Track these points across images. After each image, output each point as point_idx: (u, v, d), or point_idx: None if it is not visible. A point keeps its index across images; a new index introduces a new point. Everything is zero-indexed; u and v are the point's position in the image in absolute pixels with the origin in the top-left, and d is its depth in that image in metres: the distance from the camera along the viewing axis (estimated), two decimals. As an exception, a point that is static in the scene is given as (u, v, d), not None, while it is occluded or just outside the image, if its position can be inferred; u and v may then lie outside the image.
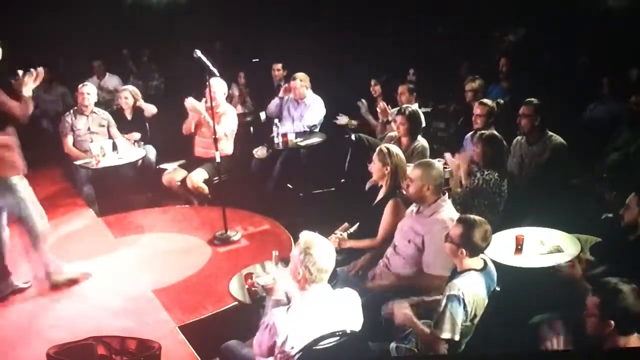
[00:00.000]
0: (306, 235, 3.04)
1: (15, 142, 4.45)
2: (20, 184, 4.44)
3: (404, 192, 4.34)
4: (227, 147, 6.42)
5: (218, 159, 5.45)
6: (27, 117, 4.46)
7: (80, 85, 6.69)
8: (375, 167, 4.46)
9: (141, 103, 7.04)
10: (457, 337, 3.20)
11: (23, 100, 4.40)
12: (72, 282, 4.73)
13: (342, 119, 7.40)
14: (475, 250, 3.32)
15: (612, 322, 2.73)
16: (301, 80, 7.01)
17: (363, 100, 7.15)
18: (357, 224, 4.68)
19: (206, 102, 6.45)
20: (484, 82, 6.59)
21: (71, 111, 6.66)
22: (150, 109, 7.06)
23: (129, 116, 7.02)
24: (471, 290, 3.22)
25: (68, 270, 4.77)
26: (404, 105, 5.96)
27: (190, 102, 6.31)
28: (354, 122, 7.32)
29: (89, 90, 6.58)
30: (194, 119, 6.38)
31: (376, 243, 4.34)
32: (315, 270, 2.94)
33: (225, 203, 5.44)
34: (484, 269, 3.35)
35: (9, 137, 4.41)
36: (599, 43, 7.52)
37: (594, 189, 5.02)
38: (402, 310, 3.42)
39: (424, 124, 6.23)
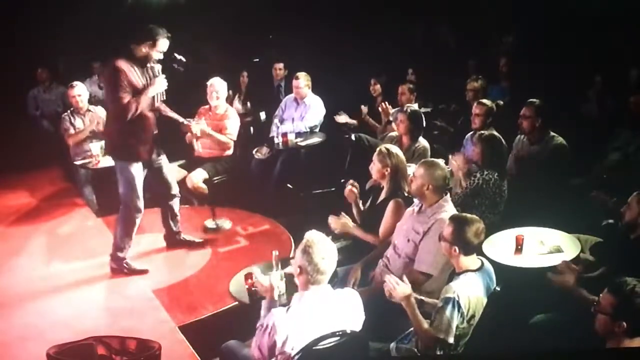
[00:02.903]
0: (310, 235, 3.03)
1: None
2: (134, 170, 4.85)
3: (405, 193, 4.34)
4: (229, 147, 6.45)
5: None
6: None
7: (69, 88, 6.60)
8: (375, 167, 4.46)
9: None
10: (450, 340, 3.20)
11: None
12: (130, 272, 4.90)
13: (342, 118, 7.38)
14: (468, 247, 3.32)
15: (624, 323, 2.71)
16: (304, 80, 7.02)
17: (362, 107, 7.17)
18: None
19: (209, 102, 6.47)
20: (486, 82, 6.59)
21: (68, 112, 6.64)
22: None
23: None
24: (467, 292, 3.23)
25: (131, 262, 4.95)
26: (406, 105, 5.97)
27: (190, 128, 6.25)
28: (354, 122, 7.31)
29: (79, 92, 6.53)
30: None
31: (377, 241, 4.35)
32: (312, 271, 2.93)
33: (216, 199, 5.41)
34: (480, 269, 3.36)
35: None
36: (599, 43, 7.53)
37: (595, 196, 5.01)
38: (404, 290, 3.34)
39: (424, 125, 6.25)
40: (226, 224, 5.41)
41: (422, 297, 3.56)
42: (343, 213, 4.51)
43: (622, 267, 3.35)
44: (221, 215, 5.91)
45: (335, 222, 4.45)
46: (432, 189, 3.92)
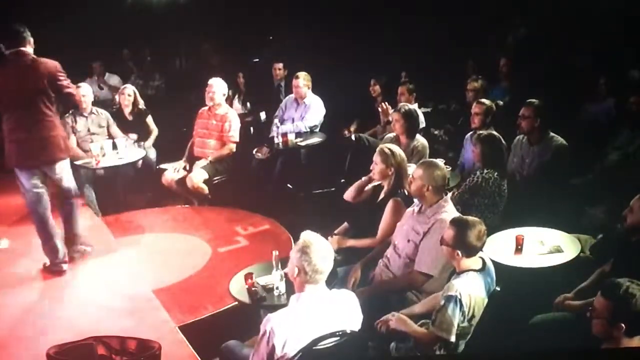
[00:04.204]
0: (306, 235, 3.03)
1: None
2: (68, 162, 4.85)
3: (406, 192, 4.34)
4: (229, 148, 6.46)
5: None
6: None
7: (75, 87, 6.65)
8: (378, 168, 4.45)
9: (151, 125, 7.04)
10: (452, 338, 3.20)
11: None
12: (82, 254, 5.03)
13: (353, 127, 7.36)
14: (470, 250, 3.32)
15: (623, 325, 2.70)
16: (303, 80, 7.02)
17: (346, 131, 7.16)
18: (346, 224, 4.71)
19: (207, 103, 6.49)
20: (486, 82, 6.59)
21: (70, 112, 6.64)
22: (154, 130, 7.06)
23: (129, 117, 7.01)
24: (469, 291, 3.22)
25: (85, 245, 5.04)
26: (401, 104, 5.97)
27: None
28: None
29: (84, 92, 6.54)
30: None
31: (376, 242, 4.35)
32: (310, 271, 2.92)
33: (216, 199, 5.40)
34: (483, 269, 3.35)
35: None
36: (599, 43, 7.53)
37: (586, 212, 5.00)
38: (399, 317, 3.42)
39: (423, 124, 6.24)
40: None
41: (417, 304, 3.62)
42: (334, 234, 4.53)
43: (622, 269, 3.34)
44: (219, 214, 5.95)
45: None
46: (431, 190, 3.92)
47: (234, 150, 6.46)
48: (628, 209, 3.74)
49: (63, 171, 4.78)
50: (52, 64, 4.58)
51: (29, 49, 4.58)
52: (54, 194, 4.91)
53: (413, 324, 3.37)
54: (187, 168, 6.47)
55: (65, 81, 4.63)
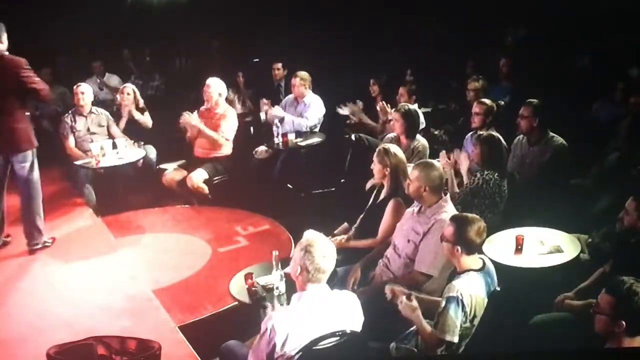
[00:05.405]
0: (309, 234, 3.04)
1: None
2: (33, 154, 5.17)
3: (406, 192, 4.34)
4: (227, 147, 6.45)
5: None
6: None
7: (75, 86, 6.68)
8: (376, 168, 4.46)
9: (138, 115, 7.00)
10: (455, 339, 3.20)
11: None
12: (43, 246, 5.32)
13: (345, 110, 7.34)
14: (470, 247, 3.32)
15: (624, 322, 2.71)
16: (302, 79, 7.01)
17: (359, 102, 7.16)
18: (346, 224, 4.71)
19: (205, 104, 6.48)
20: (486, 82, 6.58)
21: (70, 112, 6.65)
22: (146, 122, 7.03)
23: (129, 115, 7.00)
24: (470, 291, 3.23)
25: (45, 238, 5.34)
26: (401, 103, 5.97)
27: (184, 119, 6.39)
28: (354, 119, 7.26)
29: (83, 90, 6.57)
30: (192, 132, 6.46)
31: (376, 242, 4.34)
32: (313, 270, 2.93)
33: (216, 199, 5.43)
34: (482, 269, 3.36)
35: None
36: (600, 43, 7.53)
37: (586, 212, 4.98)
38: (410, 304, 3.36)
39: (423, 124, 6.24)
40: None
41: (424, 296, 3.58)
42: (334, 235, 4.52)
43: (622, 270, 3.34)
44: (219, 214, 5.95)
45: None
46: (429, 190, 3.92)
47: (223, 145, 6.42)
48: (624, 211, 3.75)
49: (27, 161, 5.12)
50: (19, 60, 4.90)
51: (1, 46, 4.86)
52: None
53: (421, 316, 3.30)
54: (187, 167, 6.46)
55: (32, 77, 4.95)
